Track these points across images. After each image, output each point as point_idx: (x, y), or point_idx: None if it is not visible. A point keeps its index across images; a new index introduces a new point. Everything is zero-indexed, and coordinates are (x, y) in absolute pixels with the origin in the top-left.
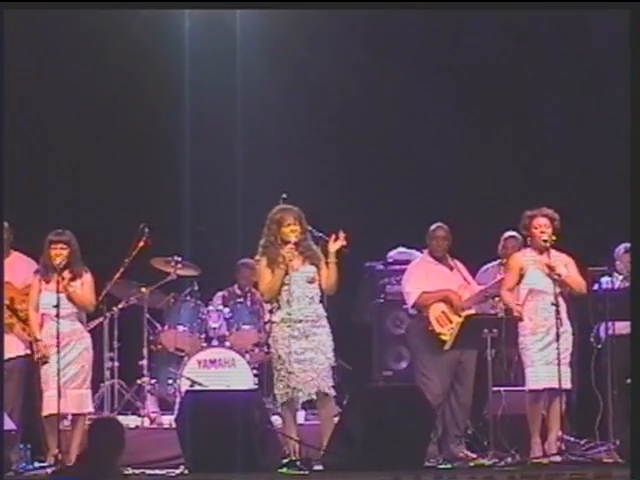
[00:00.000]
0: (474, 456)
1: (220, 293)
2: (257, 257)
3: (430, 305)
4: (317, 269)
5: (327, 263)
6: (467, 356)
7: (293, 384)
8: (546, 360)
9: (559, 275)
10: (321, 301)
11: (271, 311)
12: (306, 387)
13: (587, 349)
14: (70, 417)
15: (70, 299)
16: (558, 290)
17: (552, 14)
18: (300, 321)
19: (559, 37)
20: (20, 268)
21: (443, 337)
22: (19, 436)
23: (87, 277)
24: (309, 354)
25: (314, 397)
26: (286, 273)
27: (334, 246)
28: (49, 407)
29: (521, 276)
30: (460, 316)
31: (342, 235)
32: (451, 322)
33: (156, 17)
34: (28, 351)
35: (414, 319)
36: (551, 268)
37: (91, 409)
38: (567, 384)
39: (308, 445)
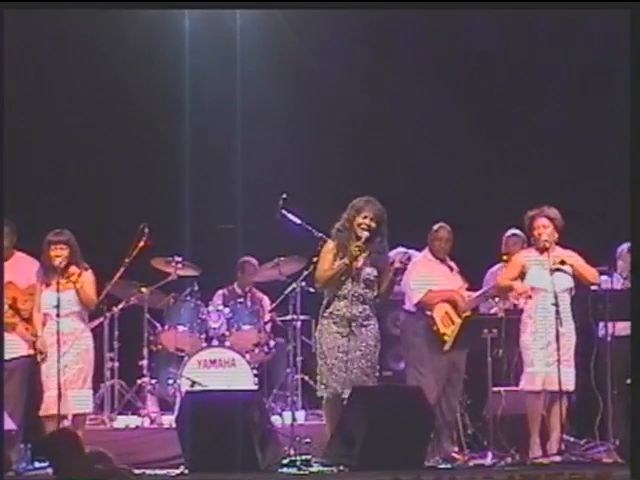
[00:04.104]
0: (465, 458)
1: (220, 291)
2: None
3: (435, 304)
4: (378, 273)
5: (387, 276)
6: (460, 357)
7: (333, 382)
8: (547, 361)
9: (571, 265)
10: (370, 302)
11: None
12: (347, 386)
13: (587, 349)
14: (70, 417)
15: (77, 295)
16: (561, 289)
17: (552, 14)
18: (349, 319)
19: (559, 37)
20: (23, 268)
21: (446, 338)
22: (19, 436)
23: (88, 274)
24: (354, 353)
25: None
26: (348, 270)
27: (399, 266)
28: (48, 407)
29: (523, 274)
30: (461, 318)
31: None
32: (453, 323)
33: (156, 17)
34: (31, 351)
35: (412, 317)
36: (562, 262)
37: (90, 409)
38: (569, 385)
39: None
